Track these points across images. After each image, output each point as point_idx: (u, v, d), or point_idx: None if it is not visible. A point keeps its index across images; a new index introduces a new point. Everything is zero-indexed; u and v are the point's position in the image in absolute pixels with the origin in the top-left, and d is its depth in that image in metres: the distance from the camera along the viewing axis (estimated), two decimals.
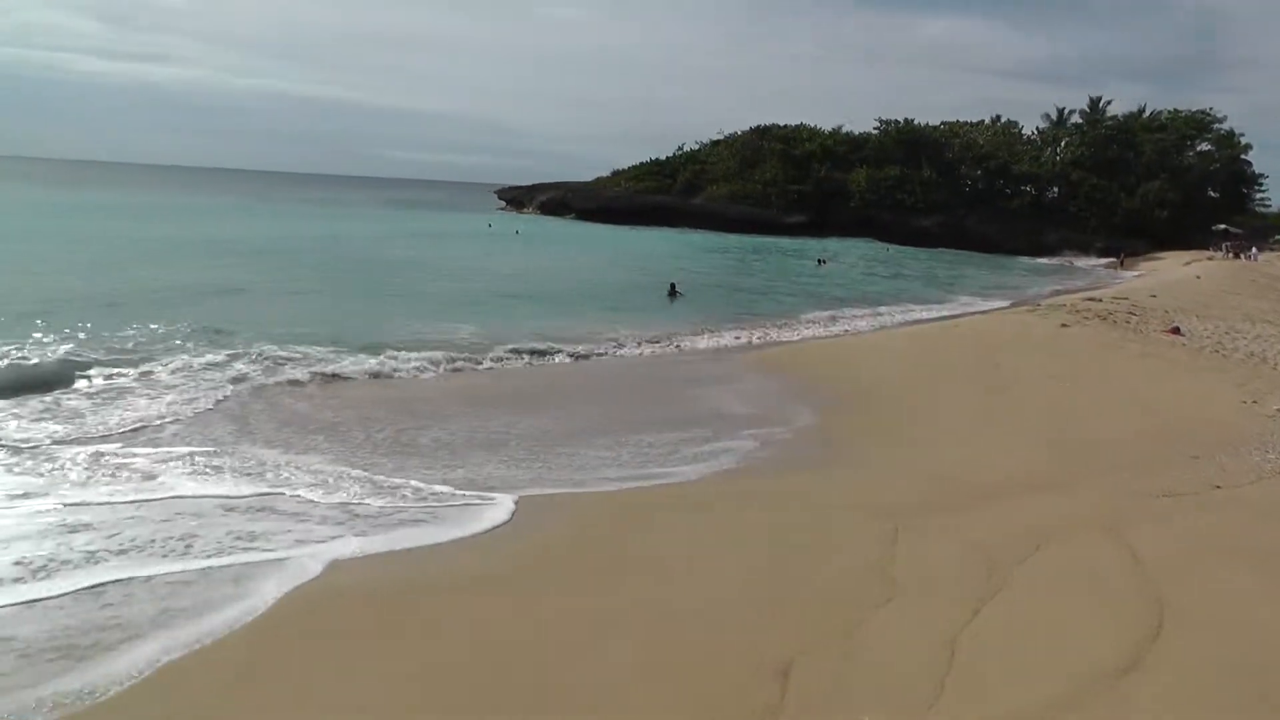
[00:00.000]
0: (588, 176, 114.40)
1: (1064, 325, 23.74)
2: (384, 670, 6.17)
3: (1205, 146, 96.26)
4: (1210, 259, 66.39)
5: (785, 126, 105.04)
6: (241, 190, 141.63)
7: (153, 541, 8.30)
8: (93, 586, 7.35)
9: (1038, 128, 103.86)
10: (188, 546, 8.24)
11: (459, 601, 7.42)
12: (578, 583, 7.90)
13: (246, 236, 48.95)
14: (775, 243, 73.81)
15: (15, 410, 12.72)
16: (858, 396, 16.47)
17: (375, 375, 16.72)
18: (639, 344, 22.25)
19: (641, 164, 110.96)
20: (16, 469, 10.27)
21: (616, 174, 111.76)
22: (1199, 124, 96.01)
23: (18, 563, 7.68)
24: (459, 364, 18.16)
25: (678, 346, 22.68)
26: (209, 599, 7.27)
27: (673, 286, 35.56)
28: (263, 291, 27.83)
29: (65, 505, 9.12)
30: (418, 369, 17.32)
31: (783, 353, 22.08)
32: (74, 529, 8.49)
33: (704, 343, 23.53)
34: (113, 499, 9.38)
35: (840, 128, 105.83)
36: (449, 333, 21.35)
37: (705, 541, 9.07)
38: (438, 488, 10.30)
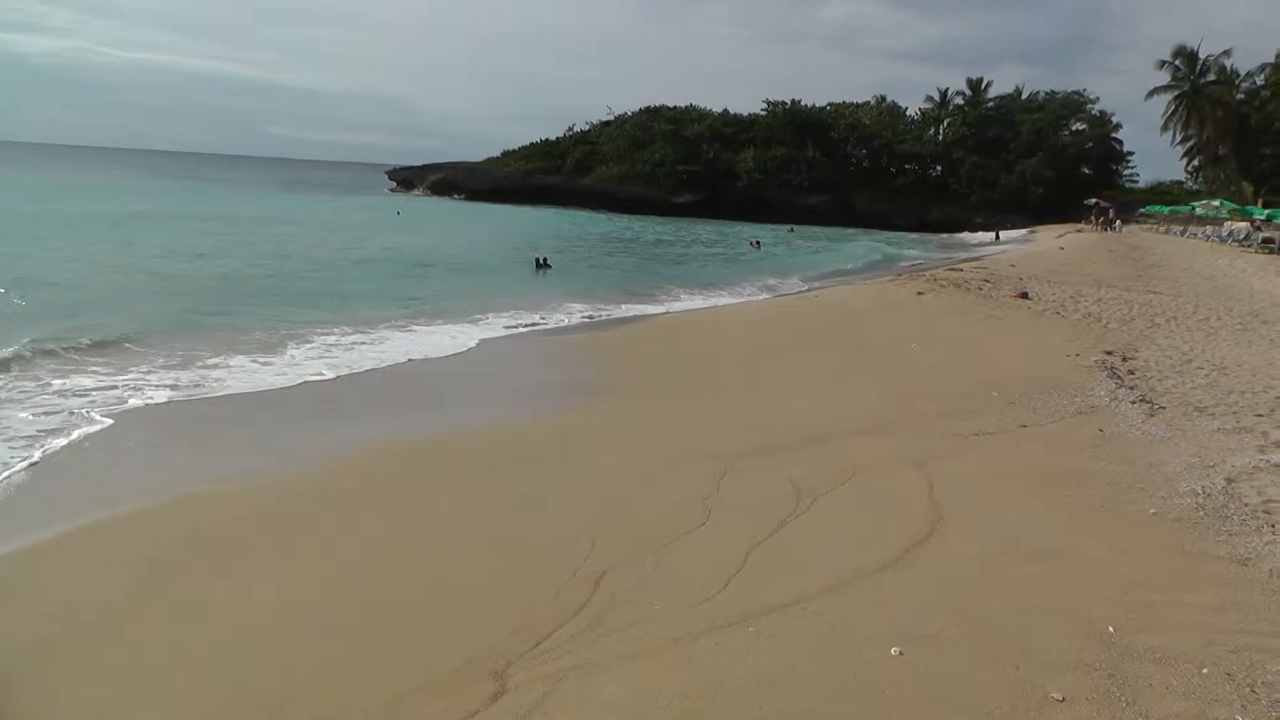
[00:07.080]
0: (491, 155, 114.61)
1: (920, 293, 25.08)
2: None
3: (1079, 126, 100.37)
4: (1080, 231, 69.53)
5: (674, 108, 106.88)
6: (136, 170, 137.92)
7: None
8: None
9: (920, 109, 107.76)
10: None
11: None
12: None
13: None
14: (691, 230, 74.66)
15: None
16: (705, 359, 17.82)
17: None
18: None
19: (532, 144, 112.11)
20: None
21: (507, 154, 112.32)
22: (1073, 105, 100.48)
23: None
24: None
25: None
26: None
27: (541, 260, 36.19)
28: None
29: None
30: None
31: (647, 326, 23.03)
32: None
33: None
34: None
35: (727, 110, 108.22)
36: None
37: (555, 482, 9.84)
38: None
